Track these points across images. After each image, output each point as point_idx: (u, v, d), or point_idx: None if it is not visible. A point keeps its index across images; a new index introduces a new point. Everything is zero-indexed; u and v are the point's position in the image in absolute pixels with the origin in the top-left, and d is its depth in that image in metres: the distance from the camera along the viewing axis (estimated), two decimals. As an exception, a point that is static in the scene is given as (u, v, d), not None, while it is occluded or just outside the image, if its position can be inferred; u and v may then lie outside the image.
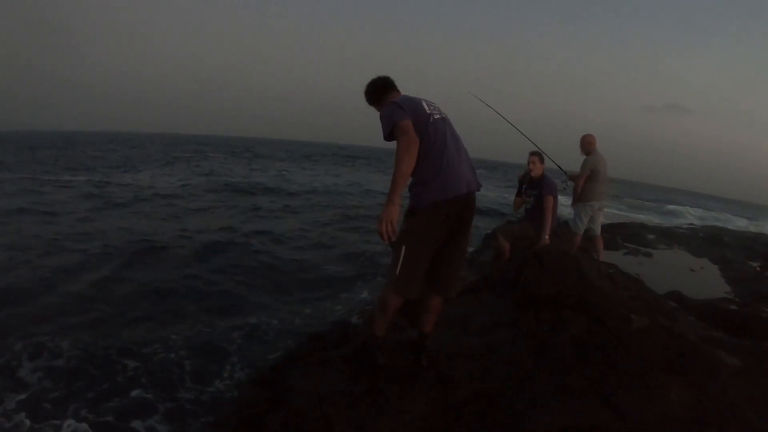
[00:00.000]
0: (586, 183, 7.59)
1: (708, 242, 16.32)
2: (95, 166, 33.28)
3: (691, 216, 38.75)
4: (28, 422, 4.83)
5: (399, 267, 3.11)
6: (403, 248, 3.10)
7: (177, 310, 7.88)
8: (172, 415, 5.31)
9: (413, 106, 3.15)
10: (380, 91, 3.48)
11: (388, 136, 3.05)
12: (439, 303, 3.47)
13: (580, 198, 7.70)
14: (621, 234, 14.68)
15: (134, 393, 5.53)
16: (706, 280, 10.07)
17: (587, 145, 7.69)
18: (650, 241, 14.64)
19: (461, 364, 3.53)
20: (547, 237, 6.09)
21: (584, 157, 7.70)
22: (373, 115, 3.43)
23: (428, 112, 3.19)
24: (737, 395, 3.13)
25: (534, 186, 6.45)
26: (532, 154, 6.52)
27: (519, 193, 6.72)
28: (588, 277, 4.22)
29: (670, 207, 45.78)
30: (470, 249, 11.45)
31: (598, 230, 7.92)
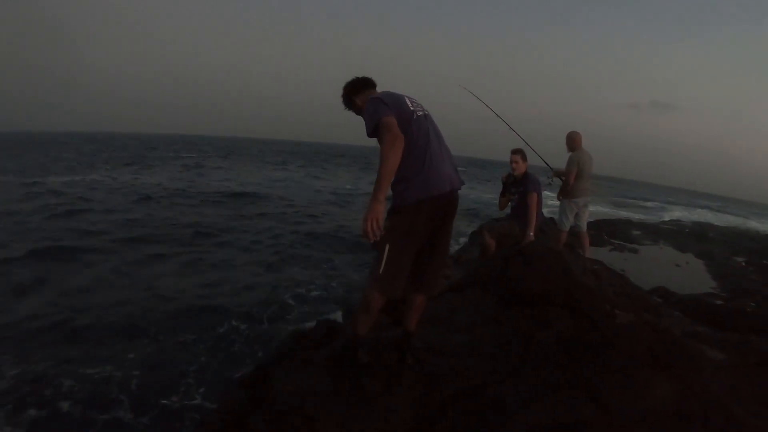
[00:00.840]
0: (575, 179, 7.62)
1: (693, 238, 16.47)
2: (58, 168, 33.03)
3: (675, 213, 38.97)
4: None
5: (383, 266, 3.08)
6: (387, 247, 3.07)
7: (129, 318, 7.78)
8: (156, 421, 5.27)
9: (396, 102, 3.12)
10: (357, 90, 3.44)
11: (372, 133, 3.01)
12: (423, 301, 3.45)
13: (565, 195, 7.73)
14: (607, 230, 14.77)
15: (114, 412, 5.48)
16: (691, 276, 10.15)
17: (573, 141, 7.73)
18: (636, 237, 14.75)
19: (446, 362, 3.50)
20: (531, 234, 6.08)
21: (569, 153, 7.73)
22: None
23: (411, 108, 3.16)
24: (722, 390, 3.13)
25: (518, 184, 6.44)
26: (514, 152, 6.47)
27: (504, 193, 6.70)
28: (573, 274, 4.20)
29: (650, 204, 46.09)
30: (456, 247, 11.48)
31: (583, 227, 7.95)
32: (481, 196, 33.93)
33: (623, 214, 28.53)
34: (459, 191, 3.29)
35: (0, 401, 5.37)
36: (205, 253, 12.15)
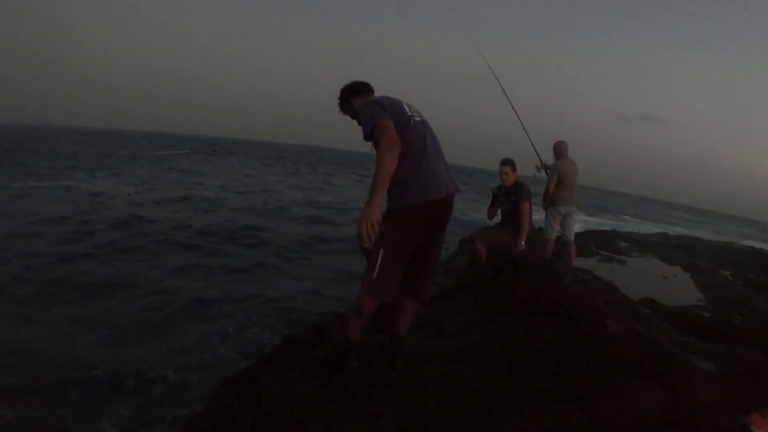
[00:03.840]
0: (555, 188, 7.73)
1: (680, 251, 16.55)
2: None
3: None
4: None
5: (376, 270, 3.06)
6: (381, 251, 3.05)
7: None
8: (141, 420, 5.22)
9: (394, 107, 3.13)
10: (356, 93, 3.44)
11: (369, 136, 3.02)
12: (414, 306, 3.45)
13: (547, 203, 7.83)
14: (594, 241, 14.82)
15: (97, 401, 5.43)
16: (678, 288, 10.18)
17: (558, 150, 7.88)
18: (623, 249, 14.81)
19: (435, 367, 3.50)
20: (523, 243, 6.08)
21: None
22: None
23: (409, 113, 3.17)
24: (710, 399, 3.15)
25: (509, 193, 6.44)
26: (504, 164, 6.49)
27: (493, 204, 6.71)
28: (564, 282, 4.21)
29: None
30: (445, 254, 11.48)
31: (570, 236, 8.00)
32: (468, 204, 34.00)
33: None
34: (454, 198, 3.31)
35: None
36: (190, 255, 12.11)
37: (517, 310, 4.07)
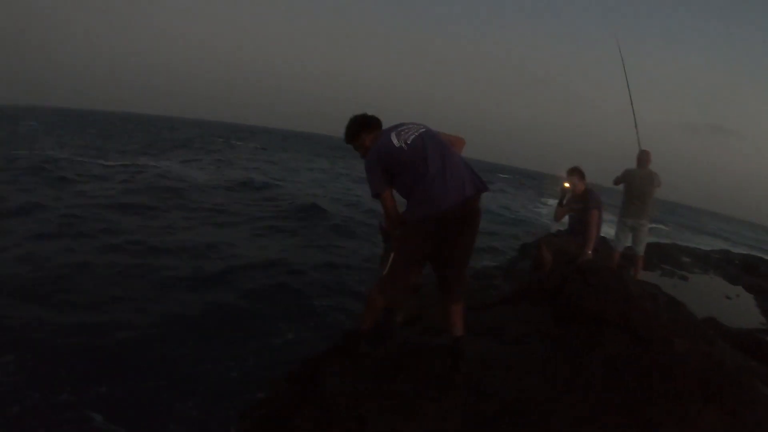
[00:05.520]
0: (624, 198, 7.65)
1: (744, 270, 16.03)
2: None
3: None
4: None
5: (386, 269, 3.46)
6: (392, 255, 3.44)
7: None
8: (201, 404, 5.29)
9: (385, 153, 3.40)
10: (365, 126, 3.69)
11: (375, 196, 3.44)
12: (457, 307, 3.61)
13: (620, 213, 7.77)
14: (656, 254, 14.51)
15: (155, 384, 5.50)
16: (741, 309, 9.90)
17: (638, 160, 7.73)
18: (685, 264, 14.42)
19: (496, 374, 3.55)
20: (590, 252, 6.02)
21: None
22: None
23: (398, 146, 3.39)
24: (775, 428, 3.11)
25: (578, 200, 6.38)
26: (570, 174, 6.45)
27: (561, 203, 6.66)
28: (633, 295, 4.19)
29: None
30: (507, 258, 11.37)
31: (639, 250, 7.87)
32: (531, 205, 33.55)
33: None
34: (476, 197, 3.45)
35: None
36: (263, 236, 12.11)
37: (582, 320, 4.08)
